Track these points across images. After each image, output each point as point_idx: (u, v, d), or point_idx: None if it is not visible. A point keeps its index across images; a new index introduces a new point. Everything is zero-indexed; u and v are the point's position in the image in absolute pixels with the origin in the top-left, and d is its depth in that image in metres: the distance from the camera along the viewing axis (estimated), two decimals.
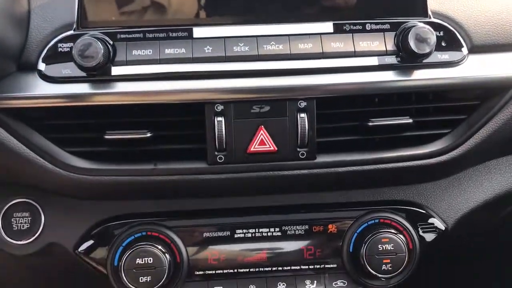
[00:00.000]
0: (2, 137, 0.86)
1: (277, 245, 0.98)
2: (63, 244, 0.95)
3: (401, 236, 0.96)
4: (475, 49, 0.92)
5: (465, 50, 0.92)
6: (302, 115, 0.87)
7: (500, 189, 1.03)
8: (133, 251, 0.92)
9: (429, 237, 0.99)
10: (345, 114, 0.91)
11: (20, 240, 0.95)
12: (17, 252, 0.95)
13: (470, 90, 0.93)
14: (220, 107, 0.86)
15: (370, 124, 0.90)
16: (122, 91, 0.86)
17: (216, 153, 0.88)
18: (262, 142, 0.88)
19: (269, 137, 0.88)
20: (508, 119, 0.93)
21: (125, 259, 0.92)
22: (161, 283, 0.92)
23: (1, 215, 0.95)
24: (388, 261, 0.95)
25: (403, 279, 0.97)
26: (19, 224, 0.95)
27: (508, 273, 1.45)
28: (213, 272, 0.97)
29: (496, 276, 1.49)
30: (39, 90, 0.86)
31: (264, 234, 0.98)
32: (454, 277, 1.51)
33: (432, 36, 0.86)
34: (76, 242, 0.95)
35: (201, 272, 0.97)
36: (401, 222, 0.97)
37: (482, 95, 0.93)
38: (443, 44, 0.91)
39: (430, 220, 1.00)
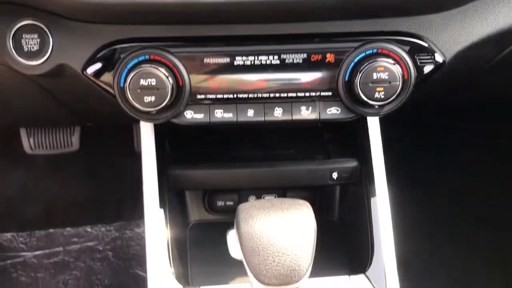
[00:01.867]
0: None
1: (275, 73, 1.01)
2: (72, 66, 1.00)
3: (397, 66, 0.98)
4: None
5: None
6: None
7: (504, 24, 1.01)
8: (137, 72, 0.97)
9: (426, 69, 1.01)
10: None
11: (32, 61, 1.00)
12: (29, 72, 1.01)
13: None
14: None
15: None
16: None
17: None
18: None
19: None
20: None
21: (130, 80, 0.97)
22: (164, 103, 0.98)
23: (11, 36, 0.99)
24: (382, 89, 0.98)
25: (394, 108, 1.01)
26: (29, 46, 1.00)
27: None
28: (214, 96, 1.02)
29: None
30: None
31: (263, 62, 1.00)
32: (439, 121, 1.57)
33: None
34: (84, 63, 1.00)
35: (202, 96, 1.02)
36: (398, 52, 0.98)
37: None
38: None
39: (429, 52, 1.00)
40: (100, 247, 1.92)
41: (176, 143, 1.31)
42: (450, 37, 1.01)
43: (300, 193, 1.31)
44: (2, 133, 1.90)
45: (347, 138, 1.31)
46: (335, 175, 1.21)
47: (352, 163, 1.22)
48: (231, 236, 0.90)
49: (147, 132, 1.16)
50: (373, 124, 1.17)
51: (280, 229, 0.84)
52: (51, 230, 1.93)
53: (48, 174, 1.99)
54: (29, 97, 1.17)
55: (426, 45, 1.00)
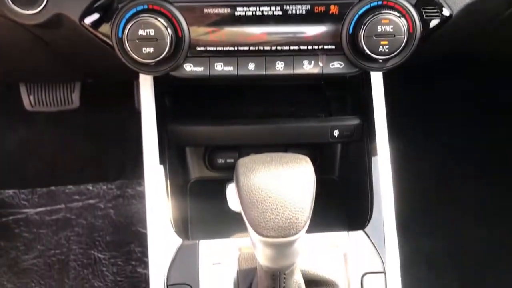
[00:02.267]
0: None
1: (277, 25, 0.99)
2: (69, 16, 0.98)
3: (403, 19, 0.95)
4: None
5: None
6: None
7: None
8: (135, 22, 0.95)
9: (432, 23, 0.98)
10: None
11: (28, 10, 0.97)
12: (26, 22, 0.98)
13: None
14: None
15: None
16: None
17: None
18: None
19: None
20: None
21: (128, 30, 0.95)
22: (163, 55, 0.96)
23: None
24: (386, 42, 0.95)
25: (398, 62, 0.99)
26: None
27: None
28: (214, 49, 1.00)
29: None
30: None
31: (265, 13, 0.98)
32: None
33: None
34: (81, 13, 0.97)
35: (202, 48, 1.00)
36: (404, 4, 0.95)
37: None
38: None
39: (436, 5, 0.97)
40: (102, 205, 1.93)
41: (177, 99, 1.30)
42: None
43: (301, 150, 1.30)
44: (2, 90, 1.88)
45: (350, 95, 1.29)
46: (336, 132, 1.20)
47: (354, 121, 1.20)
48: (230, 189, 0.90)
49: (146, 86, 1.15)
50: (376, 81, 1.15)
51: (279, 182, 0.83)
52: (53, 188, 1.94)
53: (49, 132, 1.98)
54: (26, 48, 1.14)
55: None
